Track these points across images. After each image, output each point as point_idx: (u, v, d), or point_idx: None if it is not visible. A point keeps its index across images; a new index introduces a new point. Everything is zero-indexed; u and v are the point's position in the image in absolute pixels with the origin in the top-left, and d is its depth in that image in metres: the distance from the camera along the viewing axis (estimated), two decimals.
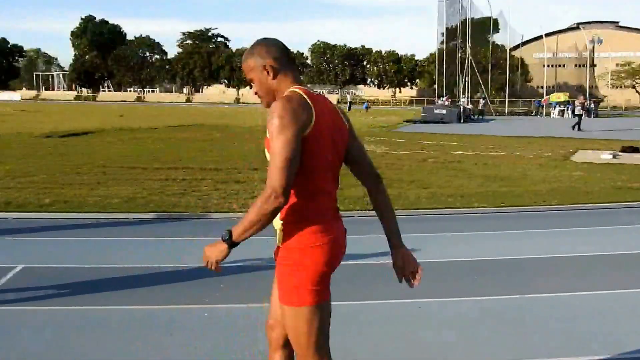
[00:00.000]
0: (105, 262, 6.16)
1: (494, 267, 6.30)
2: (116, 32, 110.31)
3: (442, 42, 60.19)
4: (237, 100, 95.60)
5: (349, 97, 69.35)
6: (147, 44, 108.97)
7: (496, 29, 73.24)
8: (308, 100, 2.48)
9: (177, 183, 11.32)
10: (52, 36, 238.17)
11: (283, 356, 2.80)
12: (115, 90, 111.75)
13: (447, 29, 58.07)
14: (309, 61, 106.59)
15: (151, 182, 11.34)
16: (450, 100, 49.83)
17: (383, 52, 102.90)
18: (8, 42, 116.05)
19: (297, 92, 2.52)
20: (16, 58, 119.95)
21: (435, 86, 66.17)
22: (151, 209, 8.92)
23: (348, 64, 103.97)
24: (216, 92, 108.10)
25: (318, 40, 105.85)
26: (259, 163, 14.06)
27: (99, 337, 4.21)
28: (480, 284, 5.66)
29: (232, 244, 2.43)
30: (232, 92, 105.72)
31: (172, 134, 24.43)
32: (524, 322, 4.67)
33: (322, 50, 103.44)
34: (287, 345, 2.76)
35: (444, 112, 39.64)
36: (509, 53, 75.04)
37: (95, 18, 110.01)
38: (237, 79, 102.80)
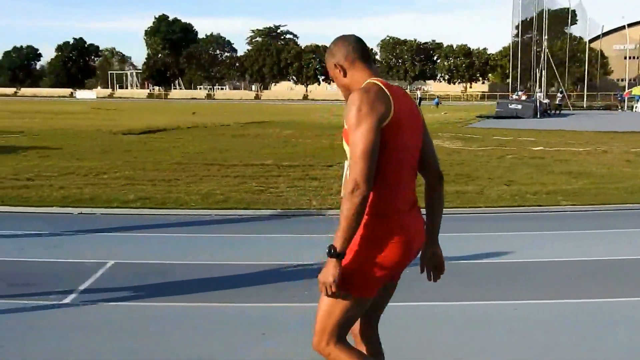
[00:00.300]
0: (193, 258, 6.25)
1: (592, 268, 6.04)
2: (188, 31, 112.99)
3: (516, 35, 58.73)
4: (306, 97, 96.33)
5: (419, 93, 68.37)
6: (218, 42, 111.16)
7: (574, 20, 70.88)
8: (386, 91, 2.47)
9: (254, 180, 11.42)
10: (126, 35, 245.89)
11: (367, 344, 2.81)
12: (185, 88, 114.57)
13: (522, 21, 56.61)
14: (378, 57, 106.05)
15: (229, 179, 11.48)
16: (526, 94, 48.52)
17: (454, 47, 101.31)
18: (85, 42, 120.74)
19: (376, 83, 2.51)
20: (92, 57, 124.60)
21: (509, 80, 64.64)
22: (230, 205, 9.03)
23: (418, 59, 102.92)
24: (284, 89, 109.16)
25: (387, 36, 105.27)
26: (333, 159, 14.07)
27: (189, 334, 4.26)
28: (577, 286, 5.44)
29: (339, 255, 2.40)
30: (300, 88, 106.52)
31: (244, 130, 24.78)
32: (623, 325, 4.45)
33: (392, 45, 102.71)
34: (366, 333, 2.80)
35: (520, 106, 38.62)
36: (588, 45, 72.45)
37: (168, 17, 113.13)
38: (306, 76, 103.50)
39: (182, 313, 4.67)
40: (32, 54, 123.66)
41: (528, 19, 56.86)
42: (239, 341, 4.15)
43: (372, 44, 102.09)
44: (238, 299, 4.95)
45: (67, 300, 4.86)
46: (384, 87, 2.48)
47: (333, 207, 8.86)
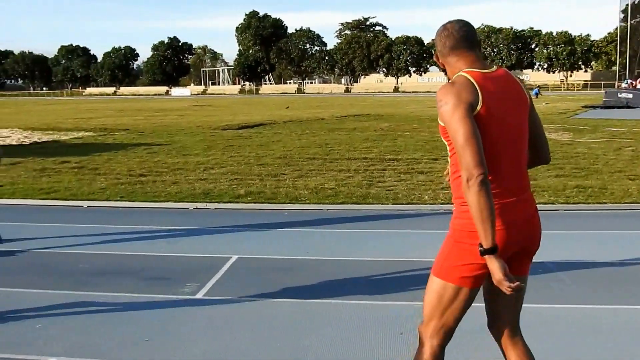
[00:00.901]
0: (315, 254, 6.26)
1: None
2: (278, 26, 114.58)
3: (624, 19, 55.77)
4: (396, 89, 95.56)
5: None
6: (308, 36, 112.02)
7: None
8: (474, 82, 2.45)
9: (359, 174, 11.38)
10: (218, 33, 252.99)
11: (512, 352, 2.73)
12: (275, 83, 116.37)
13: (630, 4, 53.69)
14: None
15: (334, 172, 11.50)
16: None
17: (554, 34, 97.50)
18: (179, 41, 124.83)
19: (463, 76, 2.49)
20: (186, 55, 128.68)
21: (615, 68, 61.51)
22: (341, 199, 9.01)
23: (514, 48, 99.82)
24: (373, 82, 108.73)
25: (482, 24, 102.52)
26: (437, 153, 13.82)
27: (324, 331, 4.24)
28: None
29: (491, 250, 2.35)
30: (389, 81, 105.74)
31: (341, 124, 24.82)
32: None
33: (487, 34, 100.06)
34: (508, 340, 2.74)
35: (630, 96, 36.61)
36: None
37: (258, 13, 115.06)
38: (396, 68, 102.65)
39: (313, 310, 4.66)
40: (130, 54, 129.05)
41: (637, 2, 53.89)
42: (376, 340, 4.09)
43: None
44: (370, 297, 4.90)
45: (200, 295, 4.97)
46: (471, 79, 2.47)
47: (446, 202, 8.68)
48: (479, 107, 2.41)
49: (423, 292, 2.72)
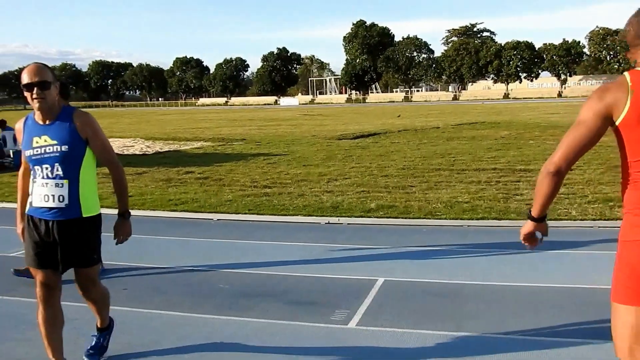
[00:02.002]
0: (471, 278, 5.65)
1: None
2: (385, 34, 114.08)
3: None
4: (506, 96, 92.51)
5: None
6: (415, 43, 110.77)
7: None
8: (629, 83, 2.29)
9: (492, 186, 10.62)
10: (325, 43, 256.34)
11: None
12: (382, 92, 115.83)
13: None
14: (586, 50, 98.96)
15: (464, 184, 10.81)
16: None
17: None
18: (287, 51, 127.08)
19: (624, 75, 2.35)
20: (294, 65, 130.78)
21: None
22: (479, 215, 8.32)
23: None
24: (480, 88, 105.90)
25: (597, 26, 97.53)
26: (578, 162, 12.77)
27: None
28: None
29: (530, 217, 2.73)
30: (498, 87, 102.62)
31: (457, 132, 23.92)
32: None
33: (602, 36, 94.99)
34: None
35: None
36: None
37: (365, 22, 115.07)
38: (506, 74, 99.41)
39: (494, 345, 4.06)
40: (241, 65, 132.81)
41: None
42: None
43: (580, 36, 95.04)
44: (571, 332, 4.24)
45: (352, 324, 4.49)
46: (627, 79, 2.31)
47: (598, 218, 7.80)
48: (624, 113, 2.29)
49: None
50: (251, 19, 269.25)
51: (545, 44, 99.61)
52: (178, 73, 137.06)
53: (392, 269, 5.89)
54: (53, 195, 3.44)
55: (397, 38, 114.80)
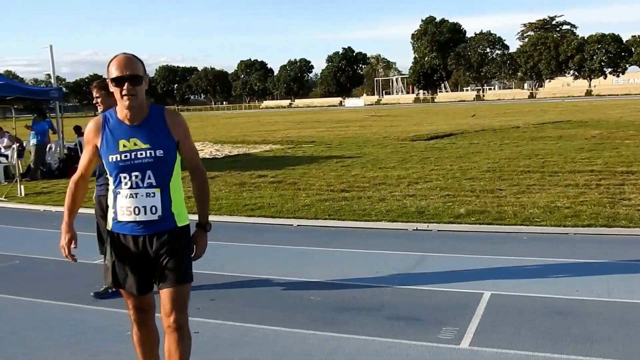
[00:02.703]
0: (584, 292, 5.22)
1: None
2: (456, 31, 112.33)
3: None
4: (589, 93, 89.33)
5: None
6: (488, 39, 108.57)
7: None
8: None
9: (592, 189, 10.04)
10: (391, 42, 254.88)
11: None
12: (451, 91, 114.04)
13: None
14: None
15: (560, 188, 10.28)
16: None
17: None
18: (353, 51, 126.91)
19: None
20: (360, 65, 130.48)
21: None
22: (585, 222, 7.80)
23: None
24: (558, 85, 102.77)
25: None
26: None
27: None
28: None
29: None
30: (578, 84, 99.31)
31: (541, 132, 23.10)
32: None
33: None
34: None
35: None
36: None
37: (435, 19, 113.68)
38: (589, 69, 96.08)
39: None
40: (305, 66, 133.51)
41: None
42: None
43: None
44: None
45: (465, 344, 4.16)
46: None
47: None
48: None
49: None
50: (315, 19, 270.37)
51: (634, 36, 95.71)
52: (242, 76, 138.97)
53: (498, 282, 5.52)
54: (144, 207, 3.09)
55: (469, 34, 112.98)
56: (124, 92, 3.04)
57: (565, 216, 8.13)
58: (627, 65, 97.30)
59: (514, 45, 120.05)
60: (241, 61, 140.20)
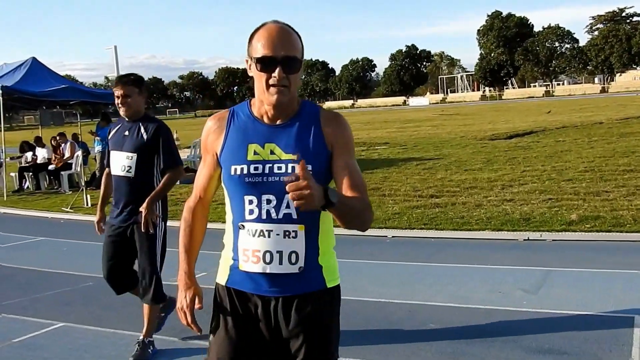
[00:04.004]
0: None
1: None
2: (523, 25, 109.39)
3: None
4: None
5: None
6: (557, 33, 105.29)
7: None
8: None
9: None
10: (455, 38, 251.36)
11: None
12: (518, 87, 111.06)
13: None
14: None
15: None
16: None
17: None
18: (417, 49, 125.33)
19: None
20: (424, 63, 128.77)
21: None
22: None
23: None
24: (630, 79, 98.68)
25: None
26: None
27: None
28: None
29: None
30: None
31: (629, 127, 21.76)
32: None
33: None
34: None
35: None
36: None
37: (502, 13, 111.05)
38: None
39: None
40: (368, 65, 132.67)
41: None
42: None
43: None
44: None
45: None
46: None
47: None
48: None
49: None
50: (377, 17, 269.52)
51: None
52: (303, 77, 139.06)
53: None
54: (280, 253, 2.12)
55: (537, 28, 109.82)
56: (272, 81, 2.09)
57: None
58: None
59: (583, 38, 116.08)
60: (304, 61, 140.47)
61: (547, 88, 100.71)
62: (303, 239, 2.13)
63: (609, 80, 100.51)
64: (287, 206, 2.10)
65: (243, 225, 2.14)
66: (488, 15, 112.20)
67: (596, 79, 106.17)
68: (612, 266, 5.89)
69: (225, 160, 2.19)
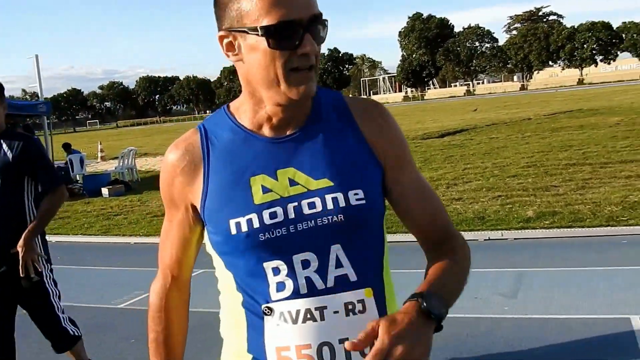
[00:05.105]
0: None
1: None
2: (444, 26, 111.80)
3: None
4: (581, 82, 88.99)
5: None
6: (477, 33, 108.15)
7: None
8: None
9: None
10: (376, 41, 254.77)
11: None
12: (440, 87, 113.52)
13: None
14: None
15: (624, 180, 9.41)
16: None
17: None
18: (339, 52, 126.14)
19: None
20: (346, 66, 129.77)
21: None
22: None
23: None
24: (547, 76, 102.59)
25: None
26: None
27: None
28: None
29: None
30: (568, 73, 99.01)
31: (557, 122, 22.12)
32: None
33: None
34: None
35: None
36: None
37: (422, 15, 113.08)
38: (580, 58, 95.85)
39: None
40: None
41: None
42: None
43: None
44: None
45: None
46: None
47: None
48: None
49: None
50: None
51: (625, 22, 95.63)
52: (226, 83, 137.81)
53: (637, 302, 4.49)
54: (341, 342, 1.28)
55: (457, 29, 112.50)
56: (298, 62, 1.27)
57: None
58: (618, 52, 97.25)
59: (502, 38, 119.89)
60: (224, 67, 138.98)
61: (468, 87, 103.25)
62: (375, 309, 1.32)
63: (527, 78, 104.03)
64: (339, 264, 1.29)
65: (270, 309, 1.31)
66: (409, 17, 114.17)
67: (515, 77, 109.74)
68: (587, 264, 5.66)
69: (214, 215, 1.35)
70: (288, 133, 1.36)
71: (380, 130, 1.39)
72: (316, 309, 1.27)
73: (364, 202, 1.30)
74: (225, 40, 1.32)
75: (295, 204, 1.30)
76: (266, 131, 1.37)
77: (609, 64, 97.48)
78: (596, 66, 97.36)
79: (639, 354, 3.68)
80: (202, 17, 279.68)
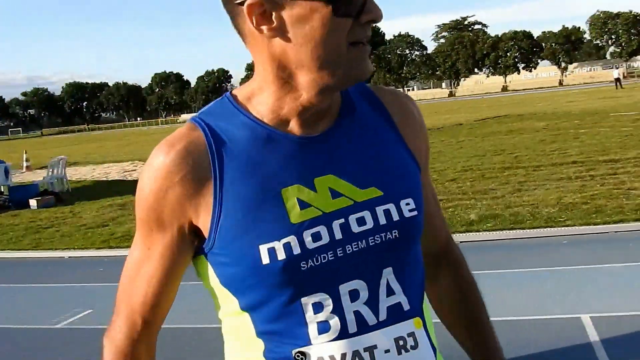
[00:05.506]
0: None
1: None
2: (375, 34, 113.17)
3: None
4: (505, 89, 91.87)
5: (616, 73, 51.41)
6: (407, 41, 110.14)
7: None
8: None
9: (590, 181, 9.42)
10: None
11: None
12: None
13: None
14: (587, 36, 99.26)
15: (557, 182, 9.67)
16: None
17: None
18: None
19: None
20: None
21: None
22: (613, 217, 7.06)
23: (635, 33, 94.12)
24: (472, 83, 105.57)
25: (598, 10, 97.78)
26: None
27: None
28: None
29: None
30: (493, 80, 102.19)
31: (488, 128, 22.66)
32: None
33: (603, 20, 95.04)
34: None
35: None
36: None
37: None
38: (504, 66, 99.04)
39: None
40: (223, 76, 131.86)
41: None
42: None
43: (580, 22, 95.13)
44: None
45: None
46: None
47: None
48: None
49: None
50: (232, 28, 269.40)
51: (544, 32, 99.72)
52: (157, 90, 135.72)
53: (582, 300, 4.55)
54: None
55: (388, 37, 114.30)
56: (358, 35, 1.01)
57: (588, 213, 7.39)
58: (539, 60, 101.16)
59: (430, 46, 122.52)
60: (155, 74, 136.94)
61: None
62: (427, 344, 1.09)
63: (455, 85, 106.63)
64: (390, 291, 1.05)
65: (304, 354, 1.02)
66: None
67: (444, 84, 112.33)
68: (532, 265, 5.72)
69: (234, 239, 1.01)
70: (321, 129, 1.07)
71: (418, 127, 1.18)
72: (365, 349, 1.01)
73: (416, 213, 1.07)
74: (258, 10, 0.98)
75: (342, 220, 1.02)
76: (294, 127, 1.05)
77: (530, 71, 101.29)
78: (519, 73, 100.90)
79: (591, 352, 3.70)
80: (132, 21, 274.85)
